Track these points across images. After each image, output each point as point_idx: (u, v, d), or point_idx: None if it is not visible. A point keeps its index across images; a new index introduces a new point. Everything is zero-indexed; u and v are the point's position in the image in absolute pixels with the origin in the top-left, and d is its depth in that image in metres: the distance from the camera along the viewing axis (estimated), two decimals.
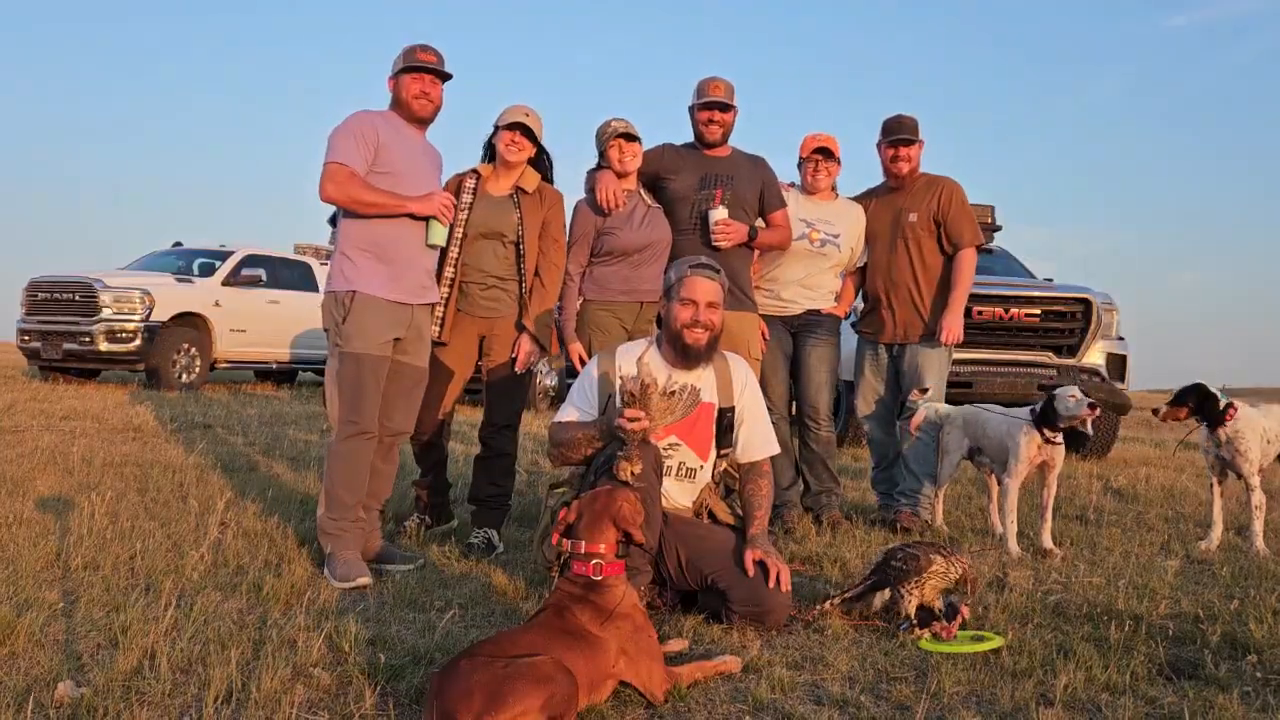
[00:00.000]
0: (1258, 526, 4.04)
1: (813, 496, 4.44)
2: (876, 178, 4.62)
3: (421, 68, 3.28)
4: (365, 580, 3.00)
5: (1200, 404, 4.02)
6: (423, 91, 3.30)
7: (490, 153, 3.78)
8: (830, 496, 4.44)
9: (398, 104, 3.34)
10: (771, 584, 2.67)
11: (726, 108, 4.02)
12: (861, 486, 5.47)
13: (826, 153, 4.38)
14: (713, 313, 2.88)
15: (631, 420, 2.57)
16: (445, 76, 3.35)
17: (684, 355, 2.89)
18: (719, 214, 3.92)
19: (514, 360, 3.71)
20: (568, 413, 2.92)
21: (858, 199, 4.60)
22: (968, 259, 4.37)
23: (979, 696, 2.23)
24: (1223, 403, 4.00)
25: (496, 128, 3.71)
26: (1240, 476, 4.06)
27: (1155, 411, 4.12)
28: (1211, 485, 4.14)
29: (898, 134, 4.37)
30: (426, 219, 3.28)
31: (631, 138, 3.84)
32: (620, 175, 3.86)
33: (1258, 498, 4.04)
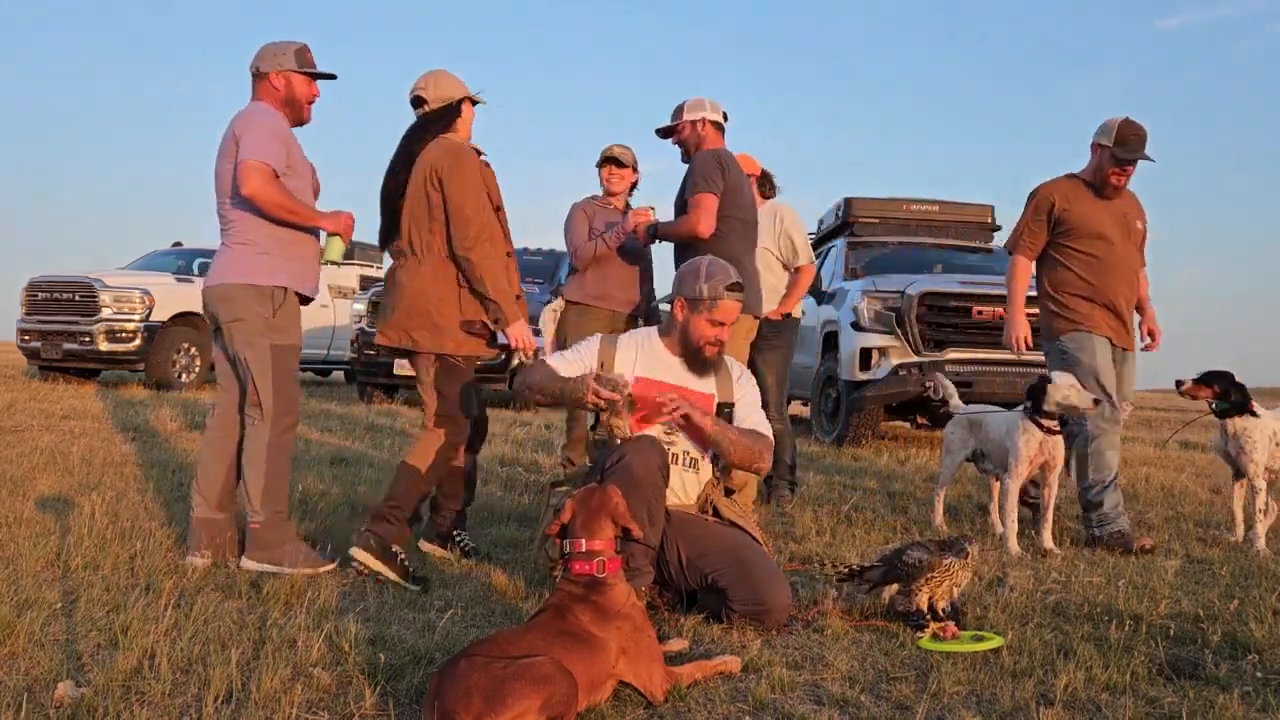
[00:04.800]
0: (1260, 528, 4.04)
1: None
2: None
3: (314, 73, 3.26)
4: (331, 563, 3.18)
5: (1229, 388, 3.99)
6: (314, 96, 3.30)
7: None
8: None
9: (288, 104, 3.25)
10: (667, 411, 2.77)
11: (621, 165, 4.56)
12: (862, 486, 5.47)
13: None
14: (727, 333, 2.99)
15: (608, 392, 2.72)
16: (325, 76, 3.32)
17: (698, 365, 2.98)
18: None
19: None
20: (556, 360, 3.00)
21: (1064, 179, 4.13)
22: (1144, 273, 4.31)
23: (979, 696, 2.23)
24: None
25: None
26: (1244, 475, 4.06)
27: (1178, 384, 4.09)
28: (1225, 484, 4.11)
29: (1138, 155, 3.96)
30: (326, 234, 3.32)
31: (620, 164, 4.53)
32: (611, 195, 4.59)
33: (1261, 500, 4.04)
